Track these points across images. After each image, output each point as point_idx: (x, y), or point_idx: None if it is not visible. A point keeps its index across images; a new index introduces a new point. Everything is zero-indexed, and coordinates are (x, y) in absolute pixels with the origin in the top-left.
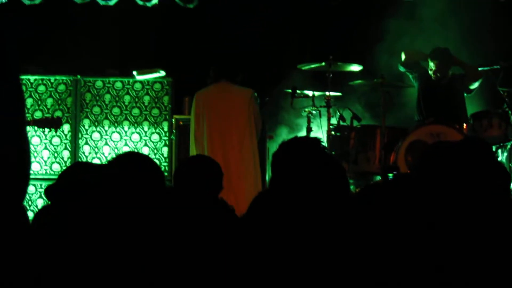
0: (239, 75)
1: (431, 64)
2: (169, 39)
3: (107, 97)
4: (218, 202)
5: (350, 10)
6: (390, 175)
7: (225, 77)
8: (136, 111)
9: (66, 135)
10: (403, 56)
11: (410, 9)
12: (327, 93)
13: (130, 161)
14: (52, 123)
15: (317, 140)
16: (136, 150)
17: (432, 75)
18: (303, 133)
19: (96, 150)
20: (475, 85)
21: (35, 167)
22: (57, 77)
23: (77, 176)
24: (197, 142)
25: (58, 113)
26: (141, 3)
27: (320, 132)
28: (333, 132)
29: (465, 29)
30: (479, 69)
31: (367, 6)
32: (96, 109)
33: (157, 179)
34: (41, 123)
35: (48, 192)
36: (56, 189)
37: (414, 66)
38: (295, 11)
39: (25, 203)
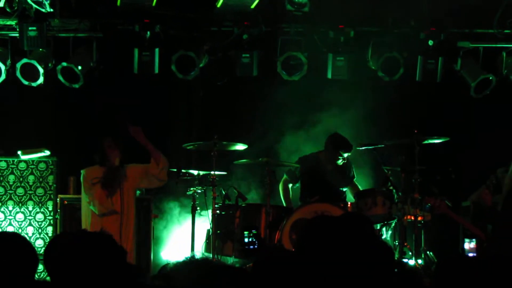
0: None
1: (344, 155)
2: (55, 119)
3: None
4: None
5: (237, 89)
6: None
7: None
8: (20, 190)
9: None
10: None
11: (297, 88)
12: (212, 172)
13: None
14: None
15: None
16: (20, 230)
17: (340, 162)
18: (188, 212)
19: None
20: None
21: None
22: None
23: None
24: None
25: None
26: (26, 83)
27: (205, 211)
28: (218, 211)
29: (351, 109)
30: (364, 147)
31: (256, 85)
32: None
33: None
34: None
35: None
36: None
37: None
38: (180, 92)
39: None
